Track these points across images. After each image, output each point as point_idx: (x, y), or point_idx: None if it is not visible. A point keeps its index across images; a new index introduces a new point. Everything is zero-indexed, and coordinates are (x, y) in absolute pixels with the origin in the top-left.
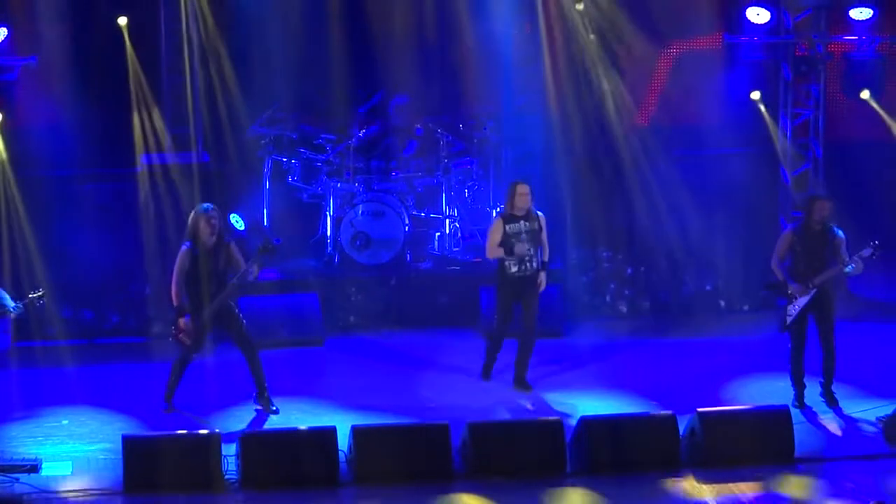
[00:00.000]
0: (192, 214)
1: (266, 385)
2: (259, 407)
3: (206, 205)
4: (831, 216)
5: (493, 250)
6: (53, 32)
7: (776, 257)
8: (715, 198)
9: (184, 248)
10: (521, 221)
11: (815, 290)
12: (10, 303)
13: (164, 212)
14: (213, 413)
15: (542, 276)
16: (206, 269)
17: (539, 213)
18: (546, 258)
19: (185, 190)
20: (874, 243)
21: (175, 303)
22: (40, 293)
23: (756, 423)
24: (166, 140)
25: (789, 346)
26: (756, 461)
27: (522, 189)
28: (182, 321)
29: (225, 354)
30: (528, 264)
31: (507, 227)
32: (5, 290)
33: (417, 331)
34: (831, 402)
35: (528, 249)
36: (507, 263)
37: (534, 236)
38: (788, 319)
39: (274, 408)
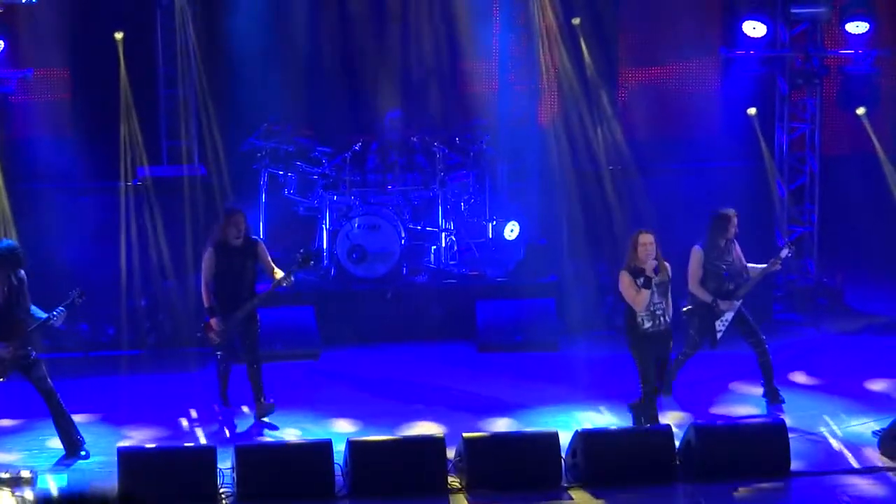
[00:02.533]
0: (223, 213)
1: (264, 393)
2: (257, 415)
3: (231, 206)
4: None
5: (639, 301)
6: (50, 45)
7: (695, 278)
8: (710, 211)
9: (208, 250)
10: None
11: (739, 302)
12: (43, 314)
13: (160, 225)
14: (209, 426)
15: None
16: (234, 269)
17: (666, 264)
18: (670, 312)
19: (182, 203)
20: (789, 242)
21: (206, 304)
22: (79, 291)
23: (752, 437)
24: (162, 153)
25: (758, 358)
26: (752, 474)
27: (645, 238)
28: (213, 321)
29: (213, 367)
30: (660, 319)
31: (637, 281)
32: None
33: (413, 344)
34: (776, 400)
35: (661, 303)
36: (640, 318)
37: (664, 289)
38: (719, 335)
39: (272, 404)
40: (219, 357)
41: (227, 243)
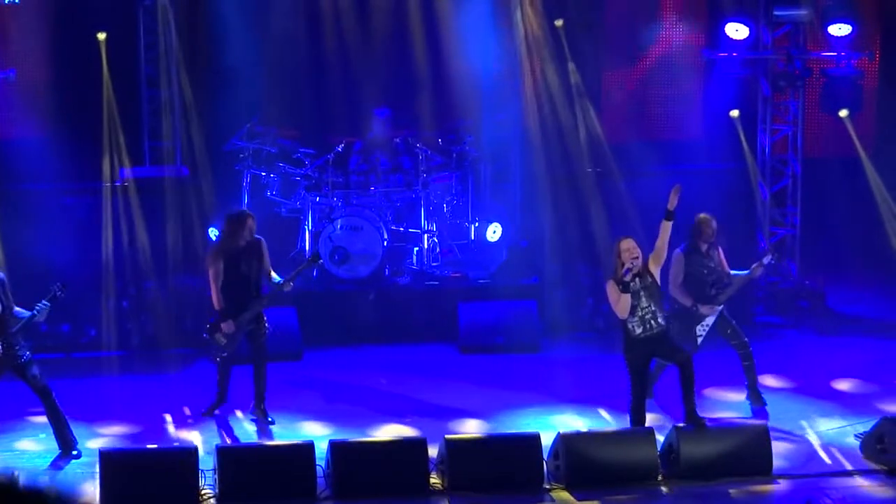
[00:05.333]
0: (232, 217)
1: (265, 397)
2: (254, 417)
3: (242, 209)
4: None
5: (620, 307)
6: (32, 46)
7: (676, 282)
8: (693, 213)
9: (217, 251)
10: (635, 279)
11: (721, 306)
12: (27, 313)
13: (142, 226)
14: (191, 427)
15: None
16: (241, 270)
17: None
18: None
19: (164, 203)
20: (772, 249)
21: (217, 307)
22: (60, 285)
23: (734, 439)
24: (145, 154)
25: (742, 361)
26: (734, 477)
27: (626, 245)
28: (224, 325)
29: (196, 368)
30: (651, 323)
31: (622, 287)
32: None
33: (395, 345)
34: (758, 403)
35: (649, 307)
36: (630, 325)
37: (652, 292)
38: (699, 340)
39: (270, 419)
40: (221, 360)
41: (236, 244)
